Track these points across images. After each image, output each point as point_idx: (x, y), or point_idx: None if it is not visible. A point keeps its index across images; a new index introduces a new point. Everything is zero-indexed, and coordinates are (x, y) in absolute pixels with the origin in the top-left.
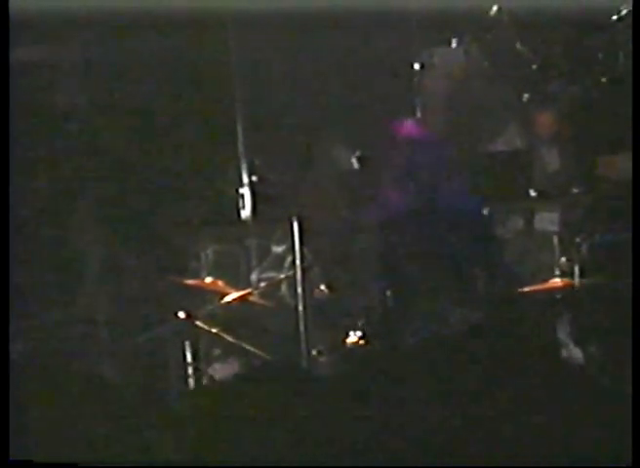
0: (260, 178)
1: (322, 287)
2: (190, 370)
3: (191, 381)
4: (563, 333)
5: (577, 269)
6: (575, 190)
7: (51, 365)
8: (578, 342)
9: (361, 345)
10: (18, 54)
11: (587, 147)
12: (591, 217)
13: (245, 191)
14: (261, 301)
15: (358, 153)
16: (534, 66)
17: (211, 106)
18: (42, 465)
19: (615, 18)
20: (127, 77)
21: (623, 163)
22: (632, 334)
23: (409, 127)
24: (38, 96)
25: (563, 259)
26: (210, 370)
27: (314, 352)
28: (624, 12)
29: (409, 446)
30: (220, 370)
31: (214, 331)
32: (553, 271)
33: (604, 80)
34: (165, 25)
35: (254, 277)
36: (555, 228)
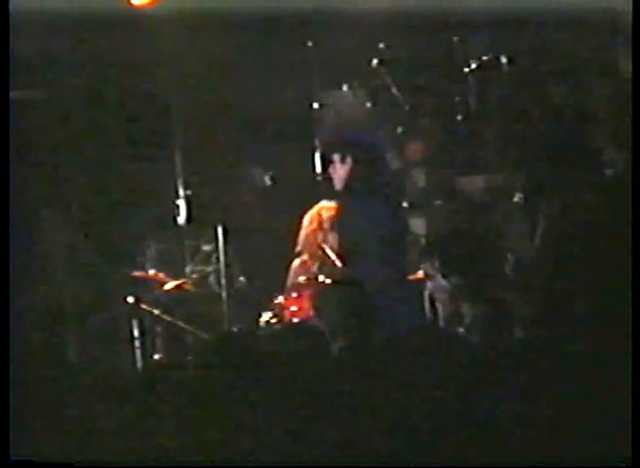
0: (192, 192)
1: (241, 278)
2: (137, 344)
3: (137, 353)
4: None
5: (437, 263)
6: (437, 202)
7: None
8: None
9: (273, 323)
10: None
11: (448, 169)
12: (450, 223)
13: (180, 202)
14: (194, 289)
15: (270, 173)
16: (406, 107)
17: (151, 137)
18: (42, 465)
19: (467, 70)
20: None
21: (475, 182)
22: (632, 335)
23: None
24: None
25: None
26: None
27: (234, 328)
28: (474, 65)
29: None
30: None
31: (156, 312)
32: (419, 265)
33: (459, 118)
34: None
35: (188, 270)
36: (422, 231)
